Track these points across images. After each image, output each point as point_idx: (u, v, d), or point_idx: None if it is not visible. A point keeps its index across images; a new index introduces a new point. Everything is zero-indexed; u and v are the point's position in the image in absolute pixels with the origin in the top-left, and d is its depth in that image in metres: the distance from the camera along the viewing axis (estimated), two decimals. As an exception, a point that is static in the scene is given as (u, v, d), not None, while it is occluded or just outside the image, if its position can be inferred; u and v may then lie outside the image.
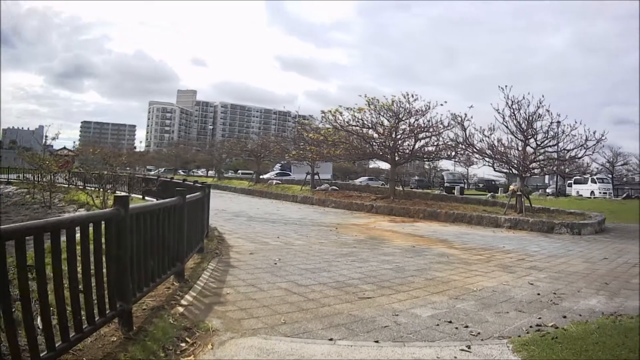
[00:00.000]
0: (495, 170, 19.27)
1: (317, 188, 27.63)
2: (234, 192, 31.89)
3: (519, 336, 4.23)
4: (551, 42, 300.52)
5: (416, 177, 67.10)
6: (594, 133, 16.13)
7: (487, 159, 18.74)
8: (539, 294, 6.06)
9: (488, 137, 17.77)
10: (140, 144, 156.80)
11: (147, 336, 3.76)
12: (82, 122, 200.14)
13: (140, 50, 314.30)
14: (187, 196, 5.96)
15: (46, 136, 29.90)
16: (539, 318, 4.94)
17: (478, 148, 18.45)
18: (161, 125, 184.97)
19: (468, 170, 60.47)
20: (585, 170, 20.36)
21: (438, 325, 4.62)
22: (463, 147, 19.66)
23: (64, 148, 38.58)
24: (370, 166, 69.83)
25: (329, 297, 5.50)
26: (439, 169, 63.80)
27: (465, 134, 18.60)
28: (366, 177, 60.61)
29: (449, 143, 20.71)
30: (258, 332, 4.17)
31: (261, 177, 40.95)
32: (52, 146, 40.96)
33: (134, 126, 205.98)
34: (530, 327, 4.60)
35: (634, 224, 17.34)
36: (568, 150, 17.01)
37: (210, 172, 64.11)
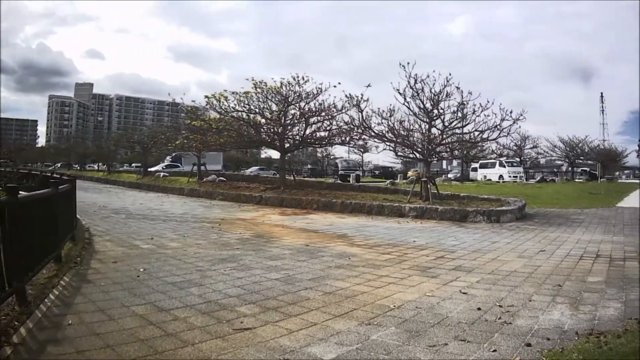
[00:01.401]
0: (397, 155, 18.09)
1: (205, 180, 27.00)
2: (122, 186, 31.37)
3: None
4: (448, 29, 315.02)
5: (309, 166, 67.09)
6: (510, 112, 15.22)
7: (387, 143, 17.49)
8: (479, 309, 4.59)
9: (387, 120, 16.51)
10: (38, 140, 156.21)
11: None
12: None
13: (42, 43, 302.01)
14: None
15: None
16: (494, 351, 3.55)
17: (376, 132, 17.13)
18: (60, 120, 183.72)
19: (363, 157, 60.65)
20: (501, 153, 19.76)
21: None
22: (359, 131, 18.53)
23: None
24: (262, 155, 69.71)
25: (194, 329, 4.10)
26: (332, 157, 63.90)
27: (362, 116, 17.30)
28: (257, 167, 60.59)
29: (344, 127, 20.00)
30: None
31: (150, 169, 40.35)
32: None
33: (36, 121, 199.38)
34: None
35: (556, 208, 16.80)
36: (480, 132, 16.02)
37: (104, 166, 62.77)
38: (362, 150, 46.93)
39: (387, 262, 7.03)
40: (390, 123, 16.45)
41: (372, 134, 17.54)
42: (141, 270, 6.37)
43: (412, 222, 12.71)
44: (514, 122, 15.26)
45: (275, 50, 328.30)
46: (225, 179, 27.50)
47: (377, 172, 60.63)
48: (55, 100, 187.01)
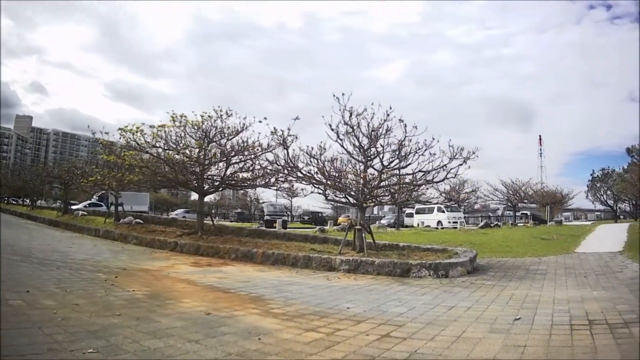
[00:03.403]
0: (327, 199, 16.47)
1: (122, 221, 25.78)
2: (42, 222, 30.24)
3: None
4: (385, 74, 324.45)
5: (238, 210, 66.40)
6: (461, 150, 14.02)
7: (315, 186, 15.86)
8: None
9: (317, 159, 15.01)
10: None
11: None
12: None
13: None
14: None
15: None
16: None
17: (304, 172, 15.51)
18: None
19: (292, 201, 59.74)
20: (450, 197, 18.59)
21: None
22: (285, 171, 16.83)
23: None
24: (192, 197, 68.61)
25: None
26: (261, 201, 63.05)
27: (287, 154, 15.62)
28: (183, 210, 59.72)
29: (268, 168, 18.74)
30: None
31: (72, 207, 39.81)
32: None
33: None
34: None
35: (510, 257, 15.58)
36: (424, 172, 14.69)
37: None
38: (290, 194, 45.84)
39: (311, 348, 5.23)
40: (320, 163, 14.95)
41: (300, 175, 15.89)
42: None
43: (344, 278, 11.14)
44: (464, 162, 14.06)
45: (210, 92, 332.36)
46: (142, 221, 26.18)
47: (306, 217, 59.92)
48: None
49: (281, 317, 6.69)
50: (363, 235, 14.02)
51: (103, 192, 41.72)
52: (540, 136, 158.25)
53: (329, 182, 14.93)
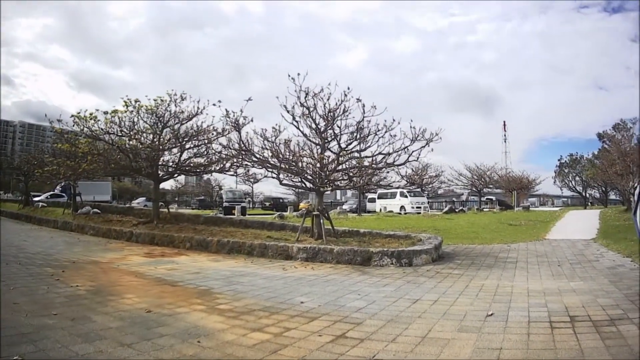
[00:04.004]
0: (281, 183, 15.73)
1: (79, 211, 25.48)
2: (4, 216, 29.96)
3: None
4: (345, 60, 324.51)
5: (201, 197, 66.12)
6: (423, 132, 13.40)
7: (269, 170, 15.15)
8: None
9: (272, 142, 14.26)
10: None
11: None
12: None
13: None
14: None
15: None
16: None
17: (258, 157, 14.77)
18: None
19: (253, 187, 59.29)
20: (412, 181, 17.99)
21: None
22: (241, 156, 16.05)
23: None
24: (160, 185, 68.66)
25: None
26: (223, 187, 62.56)
27: (240, 137, 14.88)
28: (144, 199, 59.92)
29: (223, 153, 18.21)
30: None
31: (35, 199, 39.47)
32: None
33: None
34: None
35: (477, 244, 15.09)
36: (385, 155, 14.02)
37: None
38: (252, 180, 45.22)
39: (255, 352, 4.59)
40: (275, 146, 14.21)
41: (254, 159, 15.14)
42: None
43: (301, 267, 10.55)
44: (426, 144, 13.49)
45: (172, 79, 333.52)
46: (99, 211, 25.99)
47: (267, 203, 59.60)
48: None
49: (227, 315, 6.10)
50: (321, 221, 13.47)
51: (66, 182, 41.68)
52: (504, 122, 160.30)
53: (283, 166, 14.31)
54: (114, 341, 4.86)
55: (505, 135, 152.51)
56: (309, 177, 14.31)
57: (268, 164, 14.70)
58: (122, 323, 5.59)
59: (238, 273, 9.59)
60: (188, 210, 50.23)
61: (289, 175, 14.89)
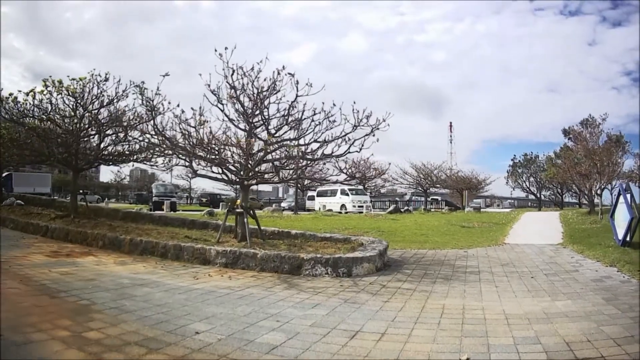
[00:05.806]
0: (196, 174, 13.81)
1: (4, 203, 24.71)
2: None
3: None
4: (291, 57, 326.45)
5: (141, 192, 65.46)
6: (367, 117, 11.74)
7: (181, 157, 13.49)
8: None
9: (188, 124, 12.50)
10: None
11: None
12: None
13: None
14: None
15: None
16: None
17: (173, 142, 13.10)
18: None
19: (190, 182, 58.34)
20: (354, 175, 16.41)
21: None
22: (157, 142, 14.24)
23: None
24: (100, 179, 67.20)
25: None
26: (163, 182, 61.46)
27: (154, 119, 13.17)
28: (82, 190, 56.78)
29: (144, 141, 16.87)
30: None
31: None
32: None
33: None
34: None
35: (429, 249, 13.50)
36: (321, 143, 12.34)
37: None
38: (189, 175, 43.84)
39: None
40: (189, 128, 12.46)
41: (168, 143, 13.26)
42: None
43: (217, 275, 8.93)
44: (371, 132, 11.78)
45: (121, 73, 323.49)
46: (22, 203, 25.30)
47: (204, 199, 58.64)
48: None
49: (89, 349, 4.45)
50: (245, 220, 11.89)
51: (6, 173, 41.88)
52: (450, 123, 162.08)
53: (198, 152, 12.65)
54: None
55: (451, 136, 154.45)
56: (232, 168, 12.70)
57: (179, 149, 13.02)
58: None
59: (138, 282, 8.07)
60: (125, 204, 49.70)
61: (208, 164, 13.06)
